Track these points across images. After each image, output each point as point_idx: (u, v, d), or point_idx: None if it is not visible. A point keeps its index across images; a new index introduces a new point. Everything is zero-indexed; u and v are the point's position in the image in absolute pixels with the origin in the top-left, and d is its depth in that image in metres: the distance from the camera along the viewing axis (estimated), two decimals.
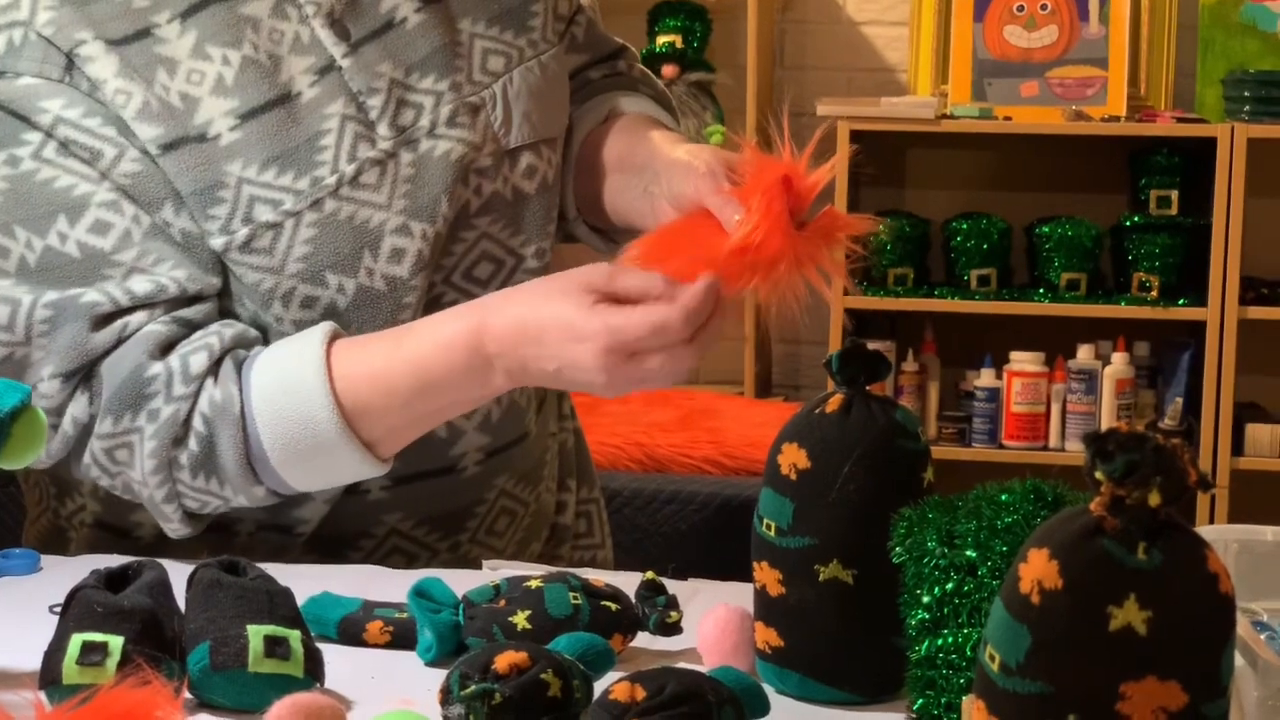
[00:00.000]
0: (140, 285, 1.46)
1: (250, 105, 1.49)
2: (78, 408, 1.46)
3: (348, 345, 1.47)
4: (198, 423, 1.45)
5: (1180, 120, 3.93)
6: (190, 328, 1.48)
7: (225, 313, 1.51)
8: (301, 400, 1.44)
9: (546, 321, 1.38)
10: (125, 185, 1.47)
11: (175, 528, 1.50)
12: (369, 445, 1.46)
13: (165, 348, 1.46)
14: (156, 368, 1.45)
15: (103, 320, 1.46)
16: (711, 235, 1.39)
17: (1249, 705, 1.11)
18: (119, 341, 1.46)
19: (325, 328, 1.47)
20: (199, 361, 1.46)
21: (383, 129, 1.52)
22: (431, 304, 1.54)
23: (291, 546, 1.57)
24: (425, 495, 1.59)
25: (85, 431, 1.47)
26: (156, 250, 1.48)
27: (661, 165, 1.51)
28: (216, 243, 1.48)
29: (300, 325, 1.50)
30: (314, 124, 1.50)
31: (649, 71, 1.79)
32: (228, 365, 1.46)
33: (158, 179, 1.47)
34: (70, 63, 1.48)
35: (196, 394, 1.45)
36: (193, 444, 1.45)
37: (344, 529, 1.58)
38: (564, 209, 1.68)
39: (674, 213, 1.46)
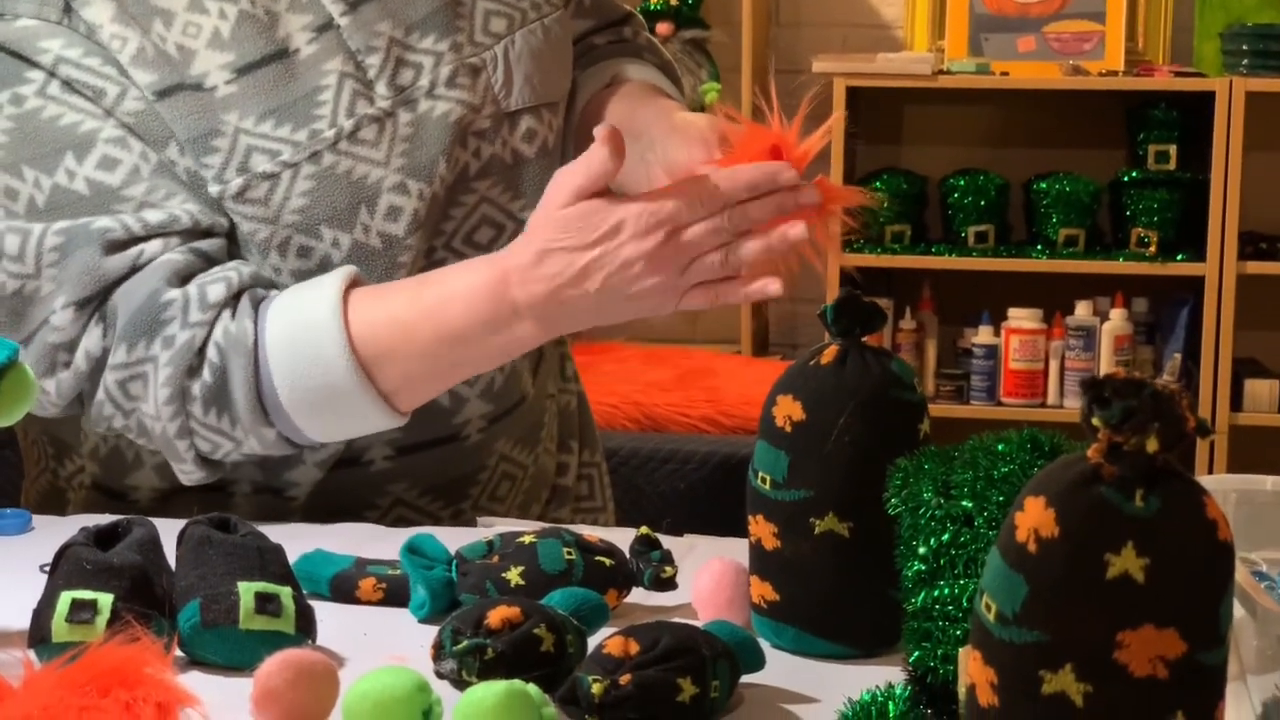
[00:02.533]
0: (153, 215, 1.45)
1: (246, 60, 1.48)
2: (91, 340, 1.45)
3: (367, 292, 1.45)
4: (211, 352, 1.44)
5: (1178, 74, 3.91)
6: (207, 261, 1.47)
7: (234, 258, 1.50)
8: (316, 342, 1.43)
9: (561, 232, 1.36)
10: (130, 123, 1.47)
11: (189, 469, 1.49)
12: (386, 395, 1.44)
13: (184, 277, 1.45)
14: (173, 293, 1.44)
15: (116, 246, 1.44)
16: None
17: (1248, 654, 1.10)
18: (133, 269, 1.45)
19: (345, 272, 1.46)
20: (217, 291, 1.44)
21: (381, 88, 1.51)
22: (431, 268, 1.52)
23: (286, 511, 1.56)
24: (429, 464, 1.58)
25: (98, 366, 1.45)
26: (165, 186, 1.47)
27: (658, 132, 1.50)
28: (211, 190, 1.47)
29: (299, 276, 1.49)
30: (312, 79, 1.49)
31: (655, 40, 1.77)
32: (245, 301, 1.45)
33: (161, 118, 1.47)
34: (68, 5, 1.48)
35: (213, 322, 1.44)
36: (206, 374, 1.44)
37: (348, 499, 1.57)
38: None
39: (668, 180, 1.45)
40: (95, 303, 1.44)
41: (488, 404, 1.59)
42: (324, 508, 1.56)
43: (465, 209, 1.55)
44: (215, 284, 1.45)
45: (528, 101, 1.58)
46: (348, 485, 1.57)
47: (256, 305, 1.45)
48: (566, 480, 1.74)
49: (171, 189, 1.47)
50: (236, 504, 1.56)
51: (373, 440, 1.55)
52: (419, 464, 1.58)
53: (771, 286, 1.35)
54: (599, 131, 1.36)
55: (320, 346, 1.43)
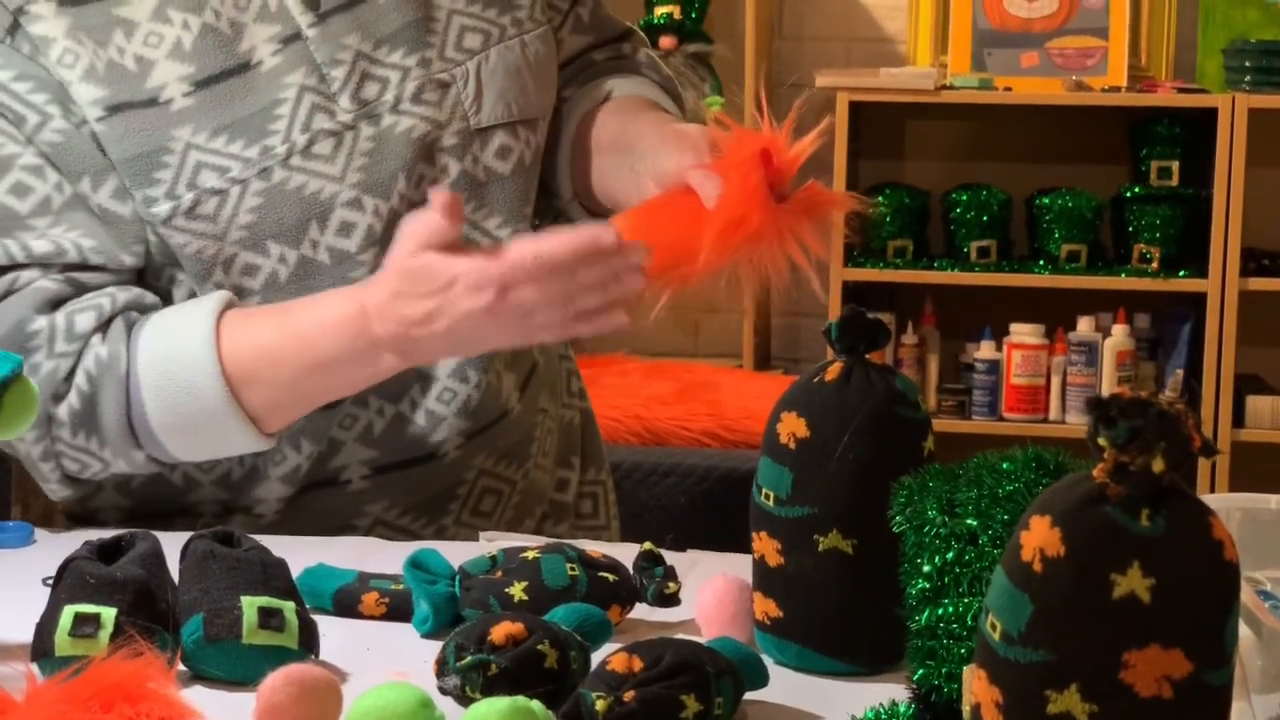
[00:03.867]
0: (39, 245, 1.47)
1: (206, 74, 1.49)
2: None
3: (236, 317, 1.47)
4: (80, 379, 1.45)
5: (1181, 90, 3.91)
6: (82, 290, 1.48)
7: (157, 291, 1.51)
8: (189, 368, 1.45)
9: (404, 281, 1.39)
10: (48, 153, 1.48)
11: (53, 489, 1.51)
12: (254, 419, 1.46)
13: (53, 304, 1.47)
14: (40, 322, 1.46)
15: None
16: (692, 210, 1.39)
17: (1253, 673, 1.10)
18: (6, 294, 1.46)
19: (219, 296, 1.47)
20: (85, 320, 1.46)
21: (344, 102, 1.51)
22: None
23: (258, 531, 1.55)
24: (406, 483, 1.58)
25: None
26: (71, 220, 1.48)
27: (648, 145, 1.50)
28: (161, 209, 1.48)
29: (241, 295, 1.50)
30: (270, 93, 1.50)
31: (655, 57, 1.77)
32: (118, 325, 1.47)
33: (79, 151, 1.48)
34: (16, 23, 1.49)
35: (80, 352, 1.45)
36: (73, 399, 1.46)
37: (327, 521, 1.57)
38: (559, 191, 1.67)
39: (658, 189, 1.45)
40: None
41: (464, 420, 1.59)
42: (303, 528, 1.56)
43: None
44: (84, 313, 1.46)
45: (501, 118, 1.57)
46: (326, 506, 1.57)
47: (130, 328, 1.46)
48: (566, 496, 1.73)
49: (76, 222, 1.48)
50: (204, 524, 1.55)
51: (349, 461, 1.56)
52: (396, 483, 1.58)
53: (616, 318, 1.38)
54: (435, 200, 1.39)
55: (193, 372, 1.44)
